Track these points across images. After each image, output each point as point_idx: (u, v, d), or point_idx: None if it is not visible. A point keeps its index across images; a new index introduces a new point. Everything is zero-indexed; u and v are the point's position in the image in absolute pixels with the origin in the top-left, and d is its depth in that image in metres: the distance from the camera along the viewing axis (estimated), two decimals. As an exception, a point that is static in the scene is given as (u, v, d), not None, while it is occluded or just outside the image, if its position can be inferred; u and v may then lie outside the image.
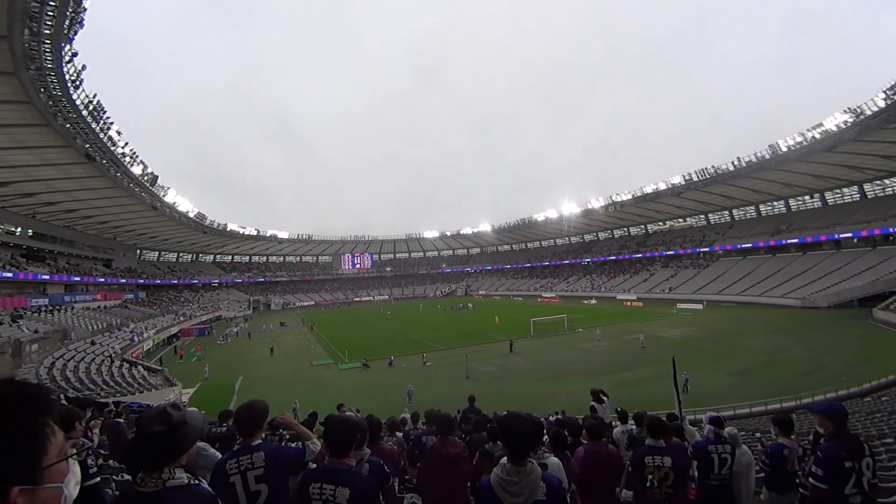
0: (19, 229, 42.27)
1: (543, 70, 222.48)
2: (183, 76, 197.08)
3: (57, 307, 39.44)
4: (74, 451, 1.02)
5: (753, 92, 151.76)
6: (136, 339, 37.60)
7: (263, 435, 2.80)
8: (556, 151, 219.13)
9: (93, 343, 31.52)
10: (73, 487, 0.97)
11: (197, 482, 1.64)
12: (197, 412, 1.76)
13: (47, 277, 41.85)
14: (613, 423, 7.65)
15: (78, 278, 46.97)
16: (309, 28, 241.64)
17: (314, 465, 2.61)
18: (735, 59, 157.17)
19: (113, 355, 29.69)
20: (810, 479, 3.21)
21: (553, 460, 3.40)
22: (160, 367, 30.40)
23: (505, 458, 2.31)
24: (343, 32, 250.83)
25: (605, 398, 9.21)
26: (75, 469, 1.00)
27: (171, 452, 1.59)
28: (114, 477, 5.12)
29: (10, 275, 36.73)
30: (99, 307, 46.62)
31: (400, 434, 7.15)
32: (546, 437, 4.74)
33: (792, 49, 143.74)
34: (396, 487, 4.24)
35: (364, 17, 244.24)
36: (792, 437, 4.34)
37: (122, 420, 6.98)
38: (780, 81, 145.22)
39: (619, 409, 7.34)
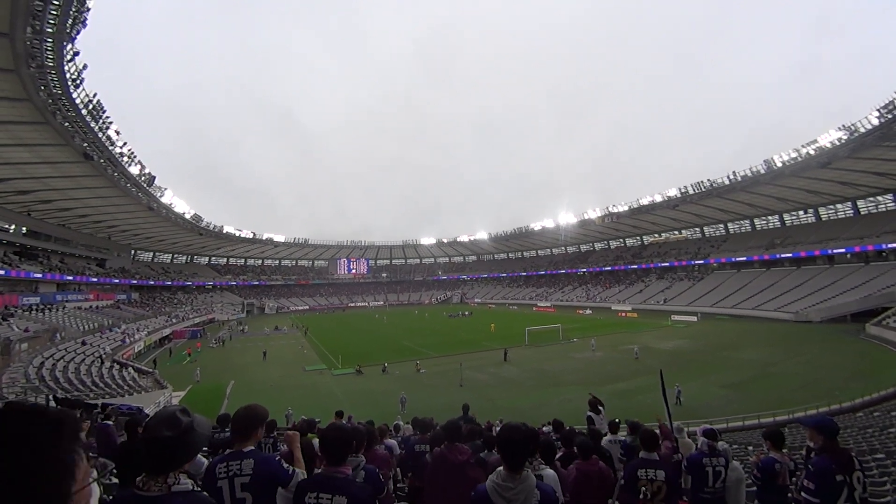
0: (13, 227, 41.96)
1: (553, 72, 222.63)
2: (181, 71, 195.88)
3: (48, 306, 39.07)
4: (95, 472, 1.06)
5: (770, 100, 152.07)
6: (127, 340, 37.24)
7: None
8: (563, 156, 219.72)
9: (83, 343, 31.18)
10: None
11: (199, 489, 1.65)
12: (204, 419, 1.76)
13: (40, 276, 41.49)
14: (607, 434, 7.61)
15: (70, 277, 46.55)
16: (315, 23, 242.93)
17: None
18: (752, 65, 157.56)
19: (103, 356, 29.38)
20: (802, 493, 3.22)
21: (549, 472, 3.40)
22: (151, 370, 30.09)
23: (501, 466, 2.32)
24: (350, 30, 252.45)
25: (601, 409, 9.17)
26: (95, 491, 1.04)
27: (178, 458, 1.59)
28: (103, 480, 5.05)
29: (1, 272, 36.44)
30: (91, 307, 46.20)
31: (392, 441, 7.11)
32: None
33: (812, 56, 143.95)
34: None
35: (372, 16, 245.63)
36: (783, 451, 4.36)
37: (111, 422, 6.90)
38: (798, 89, 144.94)
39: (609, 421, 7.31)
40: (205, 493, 1.66)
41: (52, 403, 13.13)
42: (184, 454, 1.59)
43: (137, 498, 1.53)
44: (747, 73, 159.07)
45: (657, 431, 5.35)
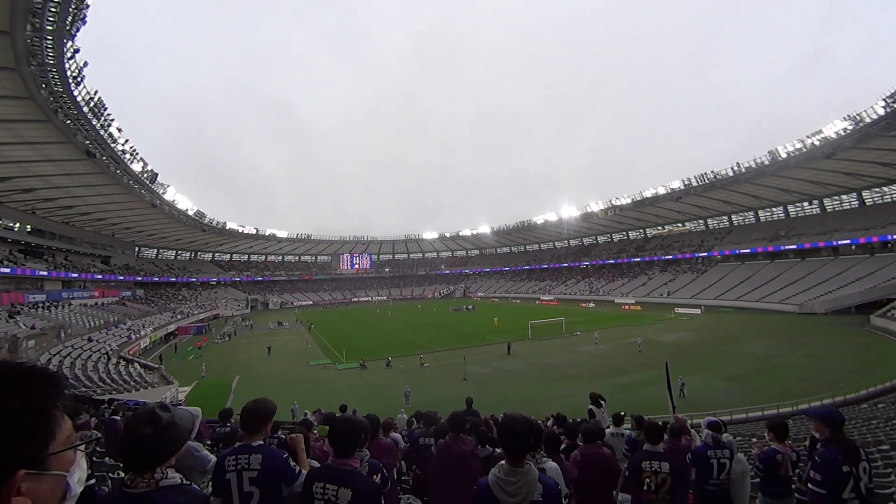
0: (17, 225, 42.13)
1: (553, 70, 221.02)
2: (180, 69, 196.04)
3: (54, 303, 39.35)
4: (81, 442, 0.95)
5: (774, 94, 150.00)
6: (133, 336, 37.49)
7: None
8: (564, 153, 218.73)
9: (90, 340, 31.42)
10: (77, 481, 0.91)
11: (189, 482, 1.64)
12: (186, 412, 1.75)
13: (45, 273, 41.73)
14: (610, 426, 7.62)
15: (76, 275, 46.84)
16: (314, 22, 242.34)
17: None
18: (756, 60, 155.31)
19: (110, 352, 29.62)
20: (808, 484, 3.22)
21: (551, 465, 3.41)
22: (157, 365, 30.32)
23: (503, 459, 2.32)
24: (349, 30, 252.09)
25: (602, 402, 9.19)
26: (82, 463, 0.94)
27: (160, 454, 1.58)
28: (109, 475, 5.11)
29: (7, 270, 36.67)
30: (96, 304, 46.54)
31: (396, 434, 7.14)
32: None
33: (819, 48, 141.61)
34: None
35: (371, 15, 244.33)
36: (786, 442, 4.35)
37: (118, 417, 6.98)
38: (803, 83, 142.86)
39: (613, 414, 7.33)
40: (194, 485, 1.66)
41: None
42: (166, 450, 1.59)
43: (125, 495, 1.53)
44: (751, 69, 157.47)
45: (677, 426, 5.35)
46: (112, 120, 32.09)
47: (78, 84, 26.59)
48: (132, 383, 23.75)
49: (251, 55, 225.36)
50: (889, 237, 44.63)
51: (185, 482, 1.62)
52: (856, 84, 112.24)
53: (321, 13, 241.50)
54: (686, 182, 57.92)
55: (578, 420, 7.84)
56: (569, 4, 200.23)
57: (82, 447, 0.95)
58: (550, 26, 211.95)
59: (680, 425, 5.51)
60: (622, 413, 7.03)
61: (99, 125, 31.09)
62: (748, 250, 59.35)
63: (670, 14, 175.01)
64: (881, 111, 35.41)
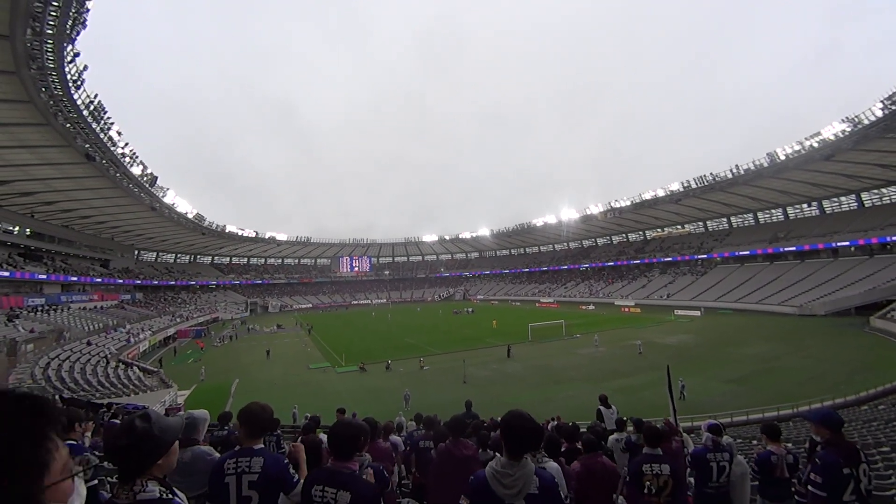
0: (17, 228, 42.14)
1: (556, 69, 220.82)
2: (180, 69, 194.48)
3: (53, 307, 39.29)
4: (80, 468, 0.91)
5: (783, 92, 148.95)
6: (132, 339, 37.42)
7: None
8: (566, 153, 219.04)
9: (89, 343, 31.35)
10: None
11: (170, 496, 1.61)
12: (173, 422, 1.72)
13: (44, 277, 41.71)
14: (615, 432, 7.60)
15: (75, 278, 46.81)
16: (315, 22, 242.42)
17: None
18: (762, 59, 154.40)
19: (109, 356, 29.55)
20: (809, 487, 3.21)
21: (552, 465, 3.40)
22: (156, 369, 30.24)
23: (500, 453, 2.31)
24: (350, 29, 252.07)
25: (613, 405, 9.20)
26: (81, 490, 0.90)
27: (139, 465, 1.56)
28: (108, 479, 5.08)
29: (6, 274, 36.64)
30: (95, 307, 46.43)
31: (396, 438, 7.13)
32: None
33: (831, 42, 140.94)
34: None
35: (372, 14, 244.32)
36: (781, 444, 4.34)
37: (118, 421, 6.95)
38: (809, 80, 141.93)
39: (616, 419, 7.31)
40: (176, 499, 1.63)
41: (59, 404, 13.21)
42: (144, 460, 1.57)
43: None
44: (755, 68, 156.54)
45: (665, 428, 5.33)
46: (112, 123, 32.11)
47: (78, 88, 26.60)
48: (131, 387, 23.69)
49: (252, 54, 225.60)
50: (888, 239, 44.64)
51: (165, 496, 1.58)
52: (862, 83, 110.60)
53: (322, 12, 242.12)
54: (685, 184, 57.98)
55: (582, 425, 7.82)
56: (570, 4, 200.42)
57: (80, 474, 0.91)
58: (552, 25, 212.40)
59: (669, 428, 5.51)
60: (623, 418, 7.01)
61: (98, 129, 31.10)
62: (748, 252, 59.35)
63: (673, 13, 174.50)
64: (879, 113, 35.47)
